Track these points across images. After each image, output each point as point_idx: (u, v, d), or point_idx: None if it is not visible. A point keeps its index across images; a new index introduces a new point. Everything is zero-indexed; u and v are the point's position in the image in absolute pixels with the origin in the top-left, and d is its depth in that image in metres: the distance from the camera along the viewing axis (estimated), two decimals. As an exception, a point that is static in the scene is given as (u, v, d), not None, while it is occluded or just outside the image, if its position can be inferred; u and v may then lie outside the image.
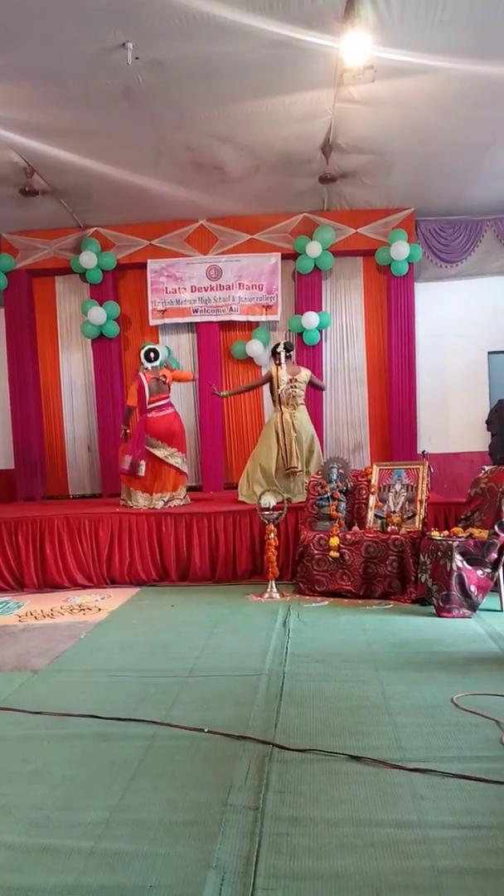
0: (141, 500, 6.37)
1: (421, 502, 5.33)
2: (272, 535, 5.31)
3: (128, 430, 6.59)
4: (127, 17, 4.43)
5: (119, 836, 2.05)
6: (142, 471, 6.37)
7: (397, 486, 5.49)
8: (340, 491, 5.57)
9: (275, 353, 6.55)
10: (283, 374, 6.45)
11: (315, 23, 4.52)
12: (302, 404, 6.51)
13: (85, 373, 8.52)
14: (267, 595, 5.17)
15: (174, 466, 6.53)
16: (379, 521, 5.37)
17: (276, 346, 6.60)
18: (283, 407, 6.43)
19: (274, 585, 5.24)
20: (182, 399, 8.36)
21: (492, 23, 4.56)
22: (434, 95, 5.44)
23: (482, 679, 3.27)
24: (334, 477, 5.62)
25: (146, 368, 6.65)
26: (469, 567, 4.53)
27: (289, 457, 6.31)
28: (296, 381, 6.46)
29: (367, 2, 4.31)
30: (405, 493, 5.44)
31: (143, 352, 6.72)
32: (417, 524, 5.25)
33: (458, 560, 4.52)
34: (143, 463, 6.40)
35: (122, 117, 5.70)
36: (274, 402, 6.54)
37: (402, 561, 4.99)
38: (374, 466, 5.72)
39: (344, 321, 8.29)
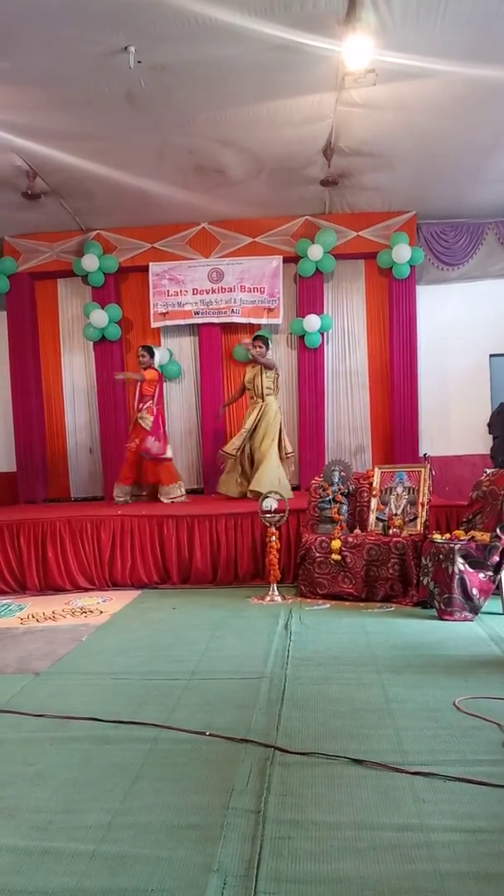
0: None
1: (422, 505, 5.33)
2: (274, 537, 5.31)
3: None
4: (129, 21, 4.45)
5: (121, 840, 2.05)
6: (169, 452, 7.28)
7: (399, 489, 5.48)
8: (342, 494, 5.57)
9: (267, 343, 7.18)
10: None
11: (317, 26, 4.54)
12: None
13: (87, 375, 8.53)
14: (268, 598, 5.17)
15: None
16: (381, 523, 5.37)
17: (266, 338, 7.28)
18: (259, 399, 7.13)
19: (275, 588, 5.23)
20: (184, 400, 8.39)
21: (493, 26, 4.57)
22: (435, 99, 5.45)
23: (484, 682, 3.26)
24: (336, 480, 5.62)
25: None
26: (471, 570, 4.53)
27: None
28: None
29: (368, 5, 4.32)
30: (407, 496, 5.43)
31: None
32: (419, 527, 5.25)
33: (460, 563, 4.52)
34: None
35: (124, 121, 5.72)
36: (265, 394, 7.09)
37: (403, 564, 4.98)
38: (376, 469, 5.72)
39: (345, 324, 8.29)
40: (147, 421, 7.16)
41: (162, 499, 7.09)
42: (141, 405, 7.26)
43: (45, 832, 2.11)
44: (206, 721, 2.89)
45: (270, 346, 7.28)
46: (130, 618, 4.88)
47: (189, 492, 7.94)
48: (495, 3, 4.36)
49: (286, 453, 7.11)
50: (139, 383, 7.37)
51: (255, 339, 7.24)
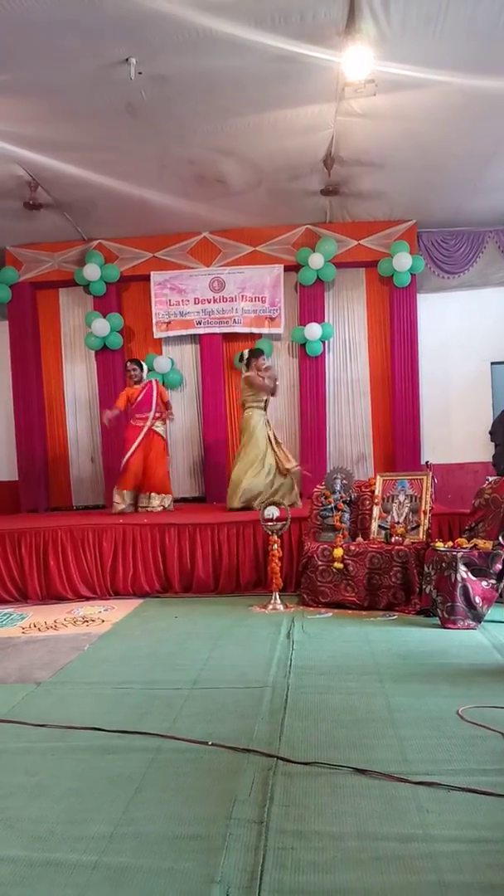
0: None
1: (425, 513, 5.32)
2: (276, 546, 5.30)
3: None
4: (130, 32, 4.48)
5: (123, 851, 2.04)
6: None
7: (401, 497, 5.48)
8: (344, 502, 5.56)
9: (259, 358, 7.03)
10: None
11: (317, 37, 4.57)
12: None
13: (88, 384, 8.55)
14: (271, 606, 5.15)
15: None
16: (383, 531, 5.36)
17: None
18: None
19: (278, 597, 5.22)
20: (185, 409, 8.39)
21: (492, 37, 4.60)
22: (435, 108, 5.49)
23: (488, 691, 3.25)
24: (338, 488, 5.62)
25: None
26: (474, 578, 4.52)
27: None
28: None
29: (368, 16, 4.36)
30: (409, 504, 5.43)
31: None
32: (421, 535, 5.24)
33: (463, 571, 4.50)
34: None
35: (125, 131, 5.75)
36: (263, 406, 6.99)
37: (406, 572, 4.97)
38: (378, 477, 5.72)
39: (347, 332, 8.32)
40: (161, 427, 7.25)
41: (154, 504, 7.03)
42: (158, 414, 7.20)
43: (46, 843, 2.10)
44: (209, 731, 2.88)
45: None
46: (132, 627, 4.87)
47: (191, 500, 7.96)
48: (494, 14, 4.40)
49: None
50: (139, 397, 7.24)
51: (252, 353, 7.13)
